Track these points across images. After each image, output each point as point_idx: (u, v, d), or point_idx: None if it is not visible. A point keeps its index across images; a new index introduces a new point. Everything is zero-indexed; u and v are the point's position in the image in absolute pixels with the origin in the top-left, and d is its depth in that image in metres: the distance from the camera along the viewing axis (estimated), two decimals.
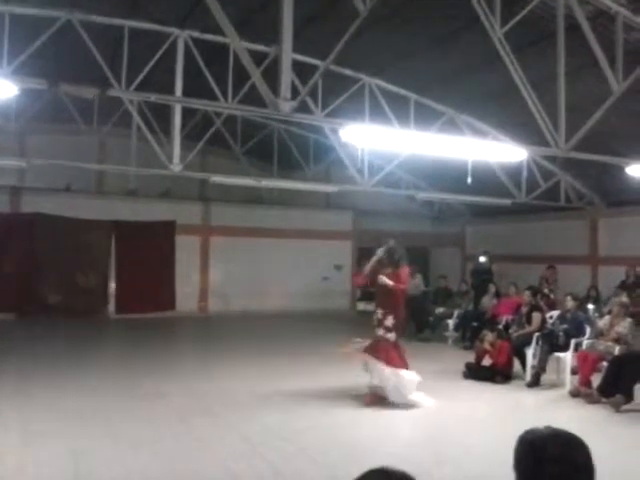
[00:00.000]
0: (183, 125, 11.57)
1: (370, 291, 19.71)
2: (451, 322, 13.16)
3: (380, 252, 7.63)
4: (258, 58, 8.60)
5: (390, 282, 7.40)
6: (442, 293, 14.63)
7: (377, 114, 11.66)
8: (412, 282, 15.09)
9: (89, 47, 9.38)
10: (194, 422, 6.58)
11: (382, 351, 7.29)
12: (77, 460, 5.25)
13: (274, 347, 11.86)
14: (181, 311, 16.80)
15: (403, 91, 12.41)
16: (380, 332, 7.42)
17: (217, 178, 13.36)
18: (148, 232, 16.46)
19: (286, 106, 6.20)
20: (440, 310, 13.68)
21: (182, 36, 10.23)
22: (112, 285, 16.45)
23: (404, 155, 12.76)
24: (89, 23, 9.58)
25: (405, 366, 7.35)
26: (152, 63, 9.82)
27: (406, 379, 7.25)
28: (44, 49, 9.30)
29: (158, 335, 13.95)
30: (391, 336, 7.38)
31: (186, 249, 17.20)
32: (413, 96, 12.42)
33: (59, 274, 15.77)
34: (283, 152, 16.56)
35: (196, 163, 14.24)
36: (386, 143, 8.62)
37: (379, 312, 7.49)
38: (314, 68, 9.84)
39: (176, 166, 11.14)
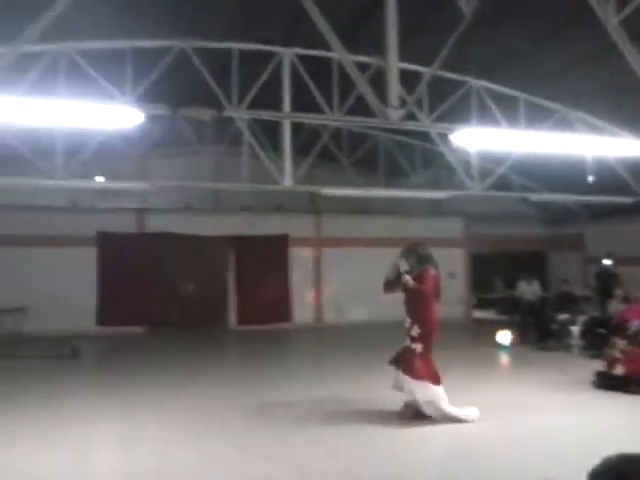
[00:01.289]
0: (291, 141, 11.90)
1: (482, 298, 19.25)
2: (576, 329, 12.54)
3: (402, 255, 7.19)
4: (360, 69, 8.70)
5: (412, 282, 6.94)
6: (565, 298, 13.98)
7: (485, 117, 11.43)
8: (530, 288, 14.63)
9: (201, 71, 9.92)
10: (317, 430, 6.63)
11: (405, 362, 6.87)
12: (206, 466, 5.48)
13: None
14: (297, 322, 17.19)
15: (511, 91, 12.08)
16: (407, 342, 7.01)
17: (328, 190, 13.60)
18: (264, 246, 17.05)
19: (395, 114, 6.25)
20: (563, 317, 13.08)
21: (288, 54, 10.54)
22: (232, 298, 17.12)
23: (515, 156, 12.41)
24: (200, 49, 10.12)
25: (432, 379, 6.79)
26: (261, 82, 10.17)
27: (433, 392, 6.74)
28: (160, 77, 9.93)
29: (277, 346, 14.36)
30: (417, 347, 6.88)
31: (300, 261, 17.61)
32: (522, 95, 12.06)
33: (182, 288, 16.72)
34: (389, 161, 16.57)
35: (305, 177, 14.56)
36: (499, 145, 8.44)
37: (407, 321, 7.08)
38: (417, 75, 9.86)
39: (288, 180, 11.45)
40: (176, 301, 16.66)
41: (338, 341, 15.22)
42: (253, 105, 9.98)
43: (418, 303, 7.00)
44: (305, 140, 14.53)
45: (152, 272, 16.42)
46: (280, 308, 17.20)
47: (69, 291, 15.32)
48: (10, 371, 10.58)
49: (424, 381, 6.72)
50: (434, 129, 10.42)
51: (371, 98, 6.37)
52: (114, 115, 6.13)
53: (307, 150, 13.62)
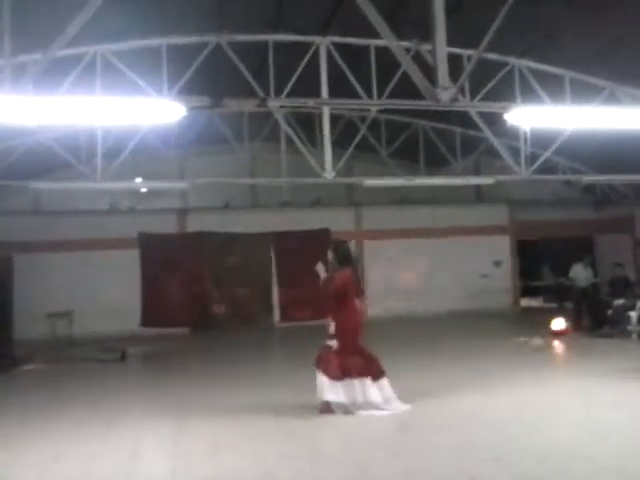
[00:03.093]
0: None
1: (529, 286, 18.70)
2: (634, 314, 12.06)
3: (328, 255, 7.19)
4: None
5: (322, 274, 6.99)
6: (620, 283, 13.45)
7: (528, 97, 11.04)
8: (585, 273, 14.08)
9: (237, 65, 9.79)
10: (376, 430, 6.38)
11: (322, 359, 6.94)
12: (261, 469, 5.31)
13: (438, 350, 11.53)
14: None
15: (555, 69, 11.65)
16: (327, 340, 7.01)
17: (370, 181, 13.37)
18: (304, 241, 16.86)
19: (445, 96, 5.99)
20: (619, 302, 12.59)
21: (324, 43, 10.34)
22: (274, 294, 17.02)
23: (563, 138, 11.98)
24: (235, 42, 9.99)
25: (350, 374, 6.80)
26: (299, 72, 9.99)
27: (349, 386, 6.80)
28: (196, 73, 9.84)
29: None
30: (333, 344, 6.90)
31: None
32: (567, 73, 11.62)
33: (224, 287, 16.68)
34: (429, 150, 16.25)
35: (344, 169, 14.37)
36: (552, 123, 8.10)
37: (329, 319, 7.08)
38: (457, 58, 9.56)
39: (329, 173, 11.24)
40: (219, 300, 16.64)
41: (380, 334, 14.95)
42: (290, 97, 9.81)
43: (335, 301, 6.98)
44: (342, 132, 14.34)
45: (194, 272, 16.42)
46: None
47: (113, 293, 15.44)
48: (65, 374, 10.73)
49: (335, 380, 6.78)
50: (488, 109, 10.04)
51: (419, 79, 6.11)
52: (156, 110, 5.99)
53: (344, 143, 13.40)
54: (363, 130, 13.66)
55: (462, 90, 10.37)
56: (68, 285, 15.17)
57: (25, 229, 15.30)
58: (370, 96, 10.12)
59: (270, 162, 15.27)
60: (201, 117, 13.99)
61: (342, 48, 10.49)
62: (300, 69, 10.12)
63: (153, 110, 6.00)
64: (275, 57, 10.19)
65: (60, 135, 11.72)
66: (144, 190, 16.47)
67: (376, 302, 17.44)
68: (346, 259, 7.17)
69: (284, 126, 11.83)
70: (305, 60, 10.24)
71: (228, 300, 16.67)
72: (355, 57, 10.66)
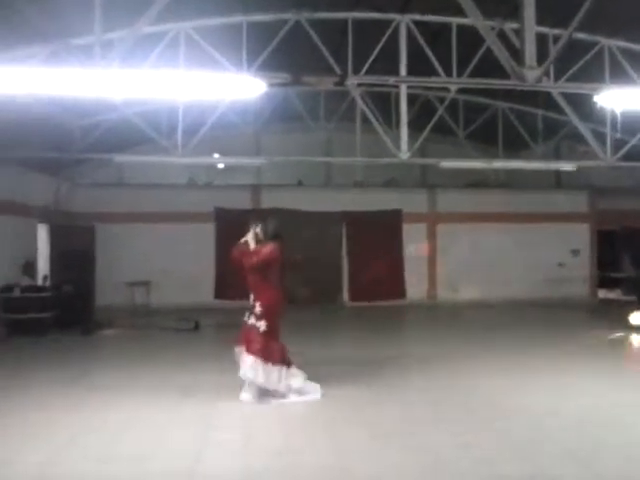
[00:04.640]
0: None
1: None
2: None
3: (255, 228, 6.84)
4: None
5: (251, 243, 6.70)
6: None
7: (618, 78, 10.55)
8: None
9: (316, 43, 9.79)
10: (446, 414, 6.35)
11: (248, 340, 6.62)
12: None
13: (510, 339, 11.23)
14: (411, 299, 16.94)
15: None
16: (252, 320, 6.68)
17: (446, 163, 13.16)
18: (376, 221, 16.88)
19: (531, 75, 5.83)
20: None
21: (404, 21, 10.20)
22: (344, 273, 17.12)
23: None
24: (315, 20, 9.99)
25: (271, 359, 6.55)
26: (378, 49, 9.91)
27: (271, 370, 6.53)
28: (274, 50, 9.91)
29: (393, 323, 14.22)
30: (261, 325, 6.60)
31: (413, 237, 17.29)
32: None
33: (294, 265, 16.85)
34: (507, 132, 15.81)
35: (418, 151, 14.22)
36: None
37: (251, 296, 6.74)
38: (542, 37, 9.23)
39: (404, 154, 11.14)
40: (289, 276, 16.84)
41: (453, 320, 14.84)
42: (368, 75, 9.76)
43: (258, 277, 6.68)
44: (418, 113, 14.15)
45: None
46: (393, 284, 16.99)
47: (189, 266, 15.88)
48: (142, 340, 11.22)
49: (261, 359, 6.51)
50: (577, 90, 9.68)
51: (505, 58, 5.96)
52: (237, 86, 6.09)
53: (420, 123, 13.22)
54: (441, 110, 13.42)
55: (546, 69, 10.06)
56: (146, 256, 15.71)
57: (108, 201, 15.93)
58: (450, 76, 9.94)
59: (344, 141, 15.25)
60: (278, 95, 14.12)
61: (422, 26, 10.33)
62: (379, 47, 10.03)
63: (235, 86, 6.10)
64: (354, 35, 10.14)
65: (143, 110, 12.09)
66: (221, 166, 16.82)
67: (448, 286, 17.30)
68: (275, 234, 6.91)
69: (360, 105, 11.77)
70: (384, 38, 10.14)
71: (298, 277, 16.85)
72: (434, 36, 10.47)
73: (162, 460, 5.00)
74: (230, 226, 16.56)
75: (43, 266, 14.00)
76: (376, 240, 16.86)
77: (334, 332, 13.01)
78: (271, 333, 6.64)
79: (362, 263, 16.84)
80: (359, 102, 11.70)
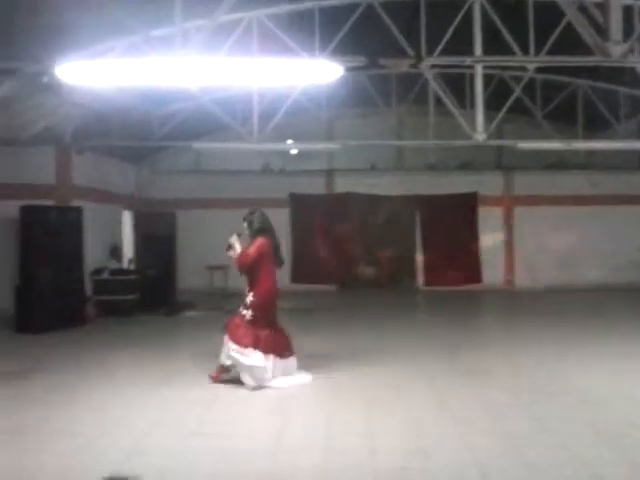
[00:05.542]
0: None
1: None
2: None
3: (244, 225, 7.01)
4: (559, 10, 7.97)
5: (237, 249, 6.87)
6: None
7: None
8: None
9: (388, 26, 9.75)
10: (524, 400, 6.26)
11: (232, 327, 6.77)
12: (416, 430, 5.39)
13: (596, 326, 10.89)
14: (486, 284, 16.70)
15: None
16: (241, 307, 6.88)
17: (524, 144, 12.85)
18: (450, 205, 16.72)
19: (617, 50, 5.63)
20: None
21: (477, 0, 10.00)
22: (418, 258, 17.06)
23: None
24: (387, 2, 9.94)
25: (255, 347, 6.61)
26: (452, 29, 9.78)
27: (254, 359, 6.59)
28: (345, 34, 9.94)
29: (466, 308, 14.09)
30: (247, 313, 6.76)
31: (489, 221, 17.02)
32: None
33: (369, 248, 17.01)
34: (588, 111, 15.25)
35: (493, 132, 13.93)
36: None
37: (246, 288, 6.96)
38: (626, 9, 8.85)
39: (480, 135, 10.97)
40: (364, 261, 17.00)
41: (528, 306, 14.55)
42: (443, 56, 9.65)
43: (252, 271, 6.85)
44: (493, 93, 13.85)
45: (340, 232, 16.89)
46: (468, 269, 16.80)
47: None
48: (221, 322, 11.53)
49: (245, 347, 6.61)
50: None
51: (589, 34, 5.79)
52: (313, 71, 6.18)
53: (495, 104, 12.95)
54: (518, 90, 13.10)
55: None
56: (224, 241, 16.11)
57: (187, 187, 16.45)
58: (527, 54, 9.70)
59: (417, 124, 15.14)
60: (349, 79, 14.12)
61: (496, 4, 10.11)
62: (454, 26, 9.89)
63: (311, 71, 6.19)
64: (426, 16, 10.04)
65: (219, 98, 12.41)
66: (294, 151, 17.04)
67: (526, 272, 16.93)
68: (260, 229, 6.98)
69: (434, 86, 11.65)
70: (459, 17, 9.99)
71: (373, 261, 16.99)
72: (510, 13, 10.22)
73: (245, 438, 5.21)
74: (305, 211, 16.90)
75: (128, 250, 14.68)
76: (451, 224, 16.69)
77: (407, 316, 13.00)
78: (257, 322, 6.76)
79: (436, 247, 16.74)
80: (432, 84, 11.59)
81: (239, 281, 15.27)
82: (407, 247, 17.11)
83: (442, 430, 5.34)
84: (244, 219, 7.13)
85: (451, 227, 16.66)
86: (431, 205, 16.85)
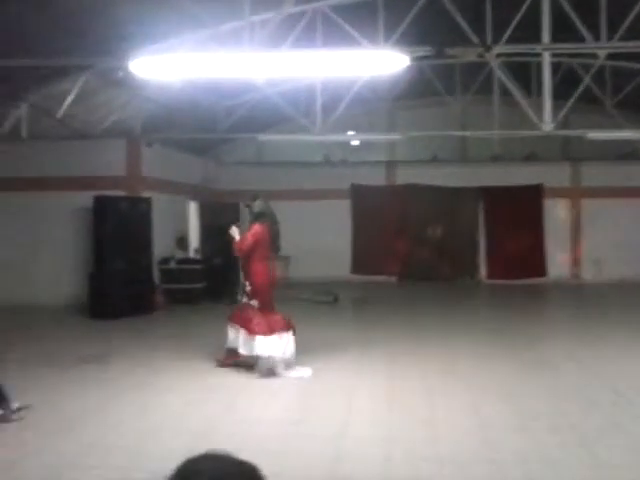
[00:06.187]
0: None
1: None
2: None
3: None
4: None
5: (236, 236, 6.96)
6: None
7: None
8: None
9: (452, 14, 9.64)
10: (593, 396, 6.12)
11: (245, 319, 6.85)
12: (481, 423, 5.38)
13: None
14: (551, 278, 16.35)
15: None
16: (245, 299, 6.97)
17: (594, 134, 12.46)
18: (515, 197, 16.40)
19: None
20: None
21: None
22: (481, 251, 16.85)
23: None
24: None
25: (276, 329, 6.74)
26: (519, 16, 9.59)
27: (271, 346, 6.68)
28: (409, 24, 9.88)
29: (531, 302, 13.85)
30: (254, 303, 6.85)
31: (555, 213, 16.65)
32: None
33: (430, 241, 16.88)
34: None
35: (560, 122, 13.58)
36: None
37: (242, 277, 7.13)
38: None
39: (547, 125, 10.72)
40: (425, 253, 16.88)
41: (600, 300, 14.14)
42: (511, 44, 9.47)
43: (247, 259, 6.97)
44: (560, 82, 13.51)
45: (401, 224, 16.82)
46: (533, 262, 16.45)
47: (326, 241, 16.32)
48: (287, 311, 11.66)
49: (263, 336, 6.69)
50: None
51: None
52: (379, 61, 6.19)
53: (562, 93, 12.63)
54: (587, 79, 12.74)
55: None
56: (286, 231, 16.26)
57: (250, 178, 16.69)
58: (597, 40, 9.42)
59: (480, 114, 14.90)
60: (411, 69, 14.00)
61: None
62: (521, 12, 9.70)
63: (376, 61, 6.21)
64: (492, 2, 9.87)
65: (282, 90, 12.56)
66: (355, 142, 17.06)
67: (593, 265, 16.46)
68: (259, 214, 7.07)
69: (500, 76, 11.45)
70: (526, 4, 9.78)
71: (434, 254, 16.83)
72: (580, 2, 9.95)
73: (311, 424, 5.34)
74: (366, 202, 16.91)
75: (194, 240, 15.06)
76: (516, 216, 16.37)
77: (471, 309, 12.87)
78: (266, 307, 6.91)
79: (501, 240, 16.45)
80: (498, 73, 11.40)
81: (300, 271, 15.73)
82: (470, 240, 16.90)
83: (505, 422, 5.32)
84: (246, 205, 7.44)
85: (516, 219, 16.34)
86: (495, 197, 16.57)
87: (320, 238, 16.33)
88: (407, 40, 9.65)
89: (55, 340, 9.01)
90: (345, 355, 7.77)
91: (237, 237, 7.08)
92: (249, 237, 6.96)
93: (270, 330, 6.75)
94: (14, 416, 5.31)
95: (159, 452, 4.58)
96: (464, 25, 9.58)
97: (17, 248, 12.04)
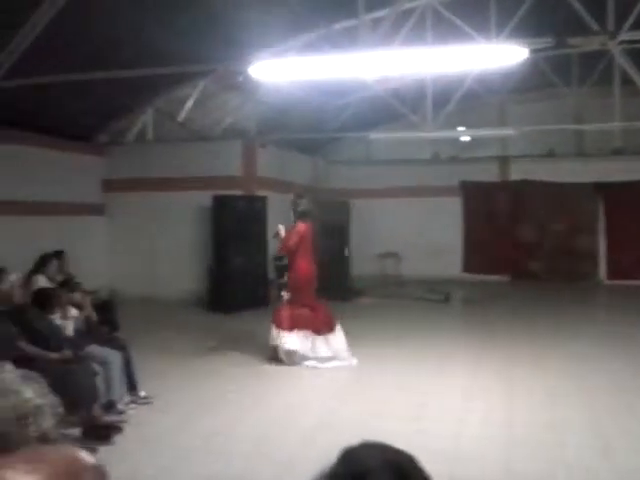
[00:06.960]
0: None
1: None
2: None
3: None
4: None
5: (282, 233, 7.35)
6: None
7: None
8: None
9: (569, 2, 9.31)
10: None
11: (277, 311, 7.32)
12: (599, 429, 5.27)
13: None
14: None
15: None
16: (283, 291, 7.45)
17: None
18: (638, 193, 15.46)
19: None
20: None
21: None
22: (602, 249, 16.07)
23: None
24: None
25: (290, 328, 7.01)
26: None
27: (288, 340, 6.99)
28: (521, 18, 9.64)
29: None
30: (285, 295, 7.36)
31: None
32: None
33: (546, 239, 16.23)
34: None
35: None
36: None
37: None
38: None
39: None
40: (540, 251, 16.27)
41: None
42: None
43: (290, 254, 7.35)
44: None
45: (515, 221, 16.35)
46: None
47: (436, 239, 16.18)
48: (396, 309, 11.84)
49: (282, 330, 7.03)
50: None
51: None
52: (494, 55, 6.12)
53: None
54: None
55: None
56: (395, 229, 16.35)
57: (359, 177, 16.88)
58: None
59: (598, 106, 14.23)
60: (525, 61, 13.58)
61: None
62: None
63: (491, 55, 6.14)
64: None
65: (391, 87, 12.59)
66: (466, 138, 16.79)
67: None
68: (303, 213, 7.43)
69: (621, 64, 10.90)
70: None
71: (550, 252, 16.17)
72: None
73: (429, 421, 5.40)
74: (477, 199, 16.57)
75: None
76: (638, 214, 15.44)
77: (590, 310, 12.32)
78: (294, 302, 7.25)
79: (623, 239, 15.48)
80: (620, 62, 10.86)
81: (409, 268, 15.68)
82: (589, 238, 16.08)
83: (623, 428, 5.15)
84: (291, 203, 7.72)
85: (639, 217, 15.41)
86: (616, 193, 15.67)
87: (431, 236, 16.22)
88: (520, 32, 9.43)
89: (181, 332, 9.54)
90: (461, 356, 7.72)
91: (283, 235, 7.46)
92: (294, 235, 7.28)
93: (291, 326, 7.09)
94: (140, 401, 5.77)
95: (276, 442, 4.82)
96: (583, 12, 9.25)
97: (143, 244, 12.86)
